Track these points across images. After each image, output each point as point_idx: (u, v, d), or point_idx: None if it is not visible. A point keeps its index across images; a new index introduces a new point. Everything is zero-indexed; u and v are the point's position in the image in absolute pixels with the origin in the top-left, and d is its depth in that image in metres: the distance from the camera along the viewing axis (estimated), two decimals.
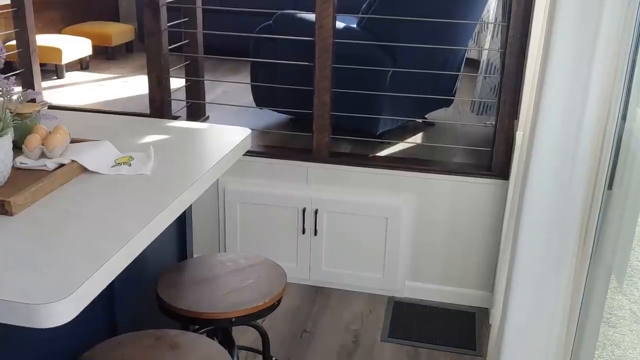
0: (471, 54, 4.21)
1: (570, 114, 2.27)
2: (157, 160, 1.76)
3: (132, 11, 5.50)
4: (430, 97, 3.10)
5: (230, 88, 4.05)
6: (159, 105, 3.09)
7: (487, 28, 3.64)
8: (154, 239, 1.40)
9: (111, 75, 4.46)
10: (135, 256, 1.34)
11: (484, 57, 3.27)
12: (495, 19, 3.22)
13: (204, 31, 3.29)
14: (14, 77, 1.57)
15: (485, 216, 2.90)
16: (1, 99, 1.54)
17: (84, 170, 1.66)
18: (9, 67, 4.09)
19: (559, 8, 2.22)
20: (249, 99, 3.56)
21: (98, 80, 4.32)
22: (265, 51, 3.27)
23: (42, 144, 1.64)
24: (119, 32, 4.97)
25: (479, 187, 2.87)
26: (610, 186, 2.29)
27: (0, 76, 1.51)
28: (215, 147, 2.01)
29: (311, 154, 3.00)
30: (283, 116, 3.54)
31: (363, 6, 3.09)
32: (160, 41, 3.00)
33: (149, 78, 3.08)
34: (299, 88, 2.97)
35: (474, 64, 4.26)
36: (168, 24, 3.06)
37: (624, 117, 2.20)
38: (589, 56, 2.16)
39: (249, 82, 3.52)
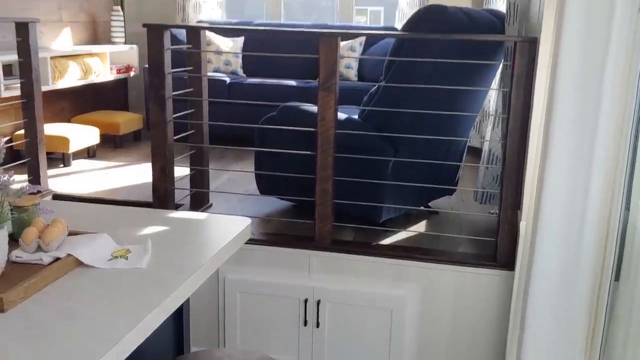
0: (473, 141, 4.25)
1: (572, 205, 2.26)
2: (154, 252, 1.74)
3: (141, 100, 5.62)
4: (432, 186, 3.11)
5: (234, 175, 4.08)
6: (162, 194, 3.10)
7: (488, 118, 3.69)
8: (145, 337, 1.36)
9: (117, 163, 4.50)
10: (126, 356, 1.29)
11: (486, 147, 3.29)
12: (496, 110, 3.27)
13: (210, 122, 3.34)
14: (12, 170, 1.57)
15: (491, 307, 2.83)
16: None
17: (80, 263, 1.64)
18: (16, 155, 4.16)
19: (556, 106, 2.25)
20: (252, 186, 3.58)
21: (104, 168, 4.36)
22: (269, 140, 3.31)
23: (39, 237, 1.63)
24: (127, 120, 5.07)
25: (485, 278, 2.82)
26: (617, 277, 2.24)
27: (3, 172, 1.52)
28: (214, 238, 1.99)
29: (313, 242, 2.98)
30: (286, 203, 3.54)
31: (364, 98, 3.15)
32: (165, 132, 3.05)
33: (153, 168, 3.11)
34: (301, 176, 2.98)
35: (476, 151, 4.29)
36: (174, 115, 3.11)
37: (627, 207, 2.18)
38: (590, 147, 2.18)
39: (253, 169, 3.54)
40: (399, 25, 5.52)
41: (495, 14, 3.22)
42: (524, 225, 2.55)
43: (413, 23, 2.87)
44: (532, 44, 2.59)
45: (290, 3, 6.19)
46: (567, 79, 2.18)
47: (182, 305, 2.04)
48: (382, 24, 7.28)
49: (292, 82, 5.14)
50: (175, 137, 3.16)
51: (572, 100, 2.19)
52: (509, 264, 2.78)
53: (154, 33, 2.97)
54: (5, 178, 1.47)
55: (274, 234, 3.13)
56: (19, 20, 3.47)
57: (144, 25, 3.00)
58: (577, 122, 2.14)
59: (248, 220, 2.09)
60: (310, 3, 7.02)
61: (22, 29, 3.44)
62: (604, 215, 2.29)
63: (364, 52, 5.33)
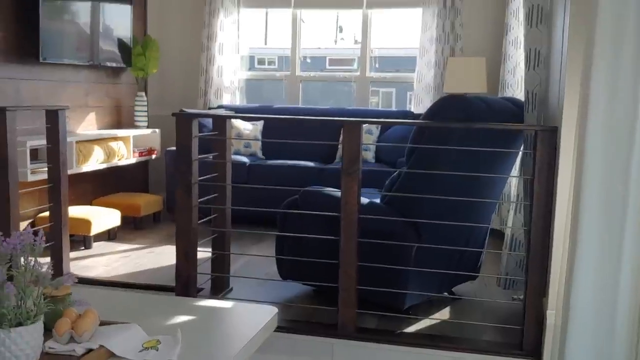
0: (494, 224, 4.25)
1: (603, 294, 2.23)
2: (183, 343, 1.73)
3: (161, 182, 5.71)
4: (456, 272, 3.09)
5: (255, 257, 4.08)
6: (185, 280, 3.11)
7: (507, 201, 3.70)
8: None
9: (138, 246, 4.53)
10: None
11: (508, 232, 3.29)
12: (517, 195, 3.29)
13: (233, 207, 3.38)
14: (50, 262, 1.59)
15: None
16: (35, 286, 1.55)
17: (112, 355, 1.63)
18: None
19: (583, 197, 2.26)
20: (273, 269, 3.57)
21: (125, 251, 4.38)
22: (291, 224, 3.34)
23: (72, 328, 1.63)
24: (148, 202, 5.13)
25: None
26: None
27: (41, 264, 1.54)
28: (241, 328, 1.99)
29: (336, 330, 2.94)
30: (307, 288, 3.52)
31: (386, 182, 3.18)
32: (190, 217, 3.08)
33: (177, 252, 3.12)
34: (324, 261, 2.98)
35: (496, 233, 4.28)
36: (199, 200, 3.16)
37: None
38: (619, 236, 2.18)
39: (274, 250, 3.54)
40: (413, 108, 5.63)
41: (514, 101, 3.30)
42: (552, 314, 2.52)
43: (434, 111, 2.94)
44: (553, 133, 2.64)
45: (308, 87, 6.36)
46: (593, 169, 2.20)
47: None
48: (394, 106, 7.43)
49: (311, 164, 5.21)
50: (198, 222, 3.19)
51: (600, 190, 2.21)
52: (535, 352, 2.72)
53: (183, 122, 3.06)
54: (44, 270, 1.49)
55: (296, 321, 3.10)
56: (49, 108, 3.59)
57: (174, 115, 3.09)
58: (605, 212, 2.16)
59: (274, 310, 2.09)
60: (327, 86, 7.21)
61: (52, 116, 3.55)
62: (636, 303, 2.26)
63: (381, 134, 5.43)
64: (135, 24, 5.49)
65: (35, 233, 1.61)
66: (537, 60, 3.02)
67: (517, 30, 4.67)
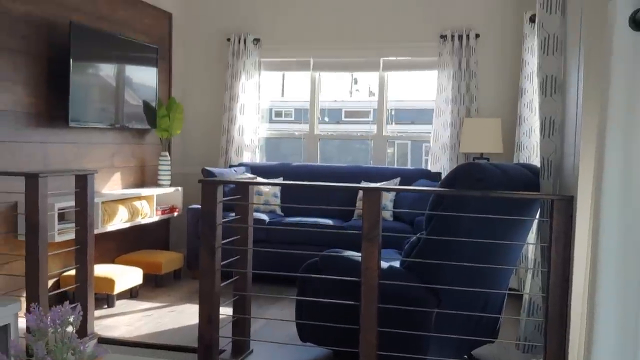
0: (513, 282, 4.27)
1: (624, 358, 2.25)
2: None
3: (183, 239, 5.81)
4: (476, 338, 3.11)
5: (274, 317, 4.12)
6: (207, 342, 3.16)
7: (527, 266, 3.73)
8: None
9: (159, 304, 4.59)
10: None
11: (526, 297, 3.32)
12: (534, 260, 3.33)
13: (254, 271, 3.45)
14: (90, 338, 1.66)
15: None
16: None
17: None
18: (63, 296, 4.28)
19: (600, 269, 2.31)
20: (292, 330, 3.60)
21: (147, 310, 4.45)
22: (311, 287, 3.39)
23: None
24: (169, 260, 5.21)
25: None
26: None
27: (77, 338, 1.61)
28: None
29: None
30: (327, 351, 3.55)
31: (405, 247, 3.24)
32: (213, 280, 3.15)
33: (200, 315, 3.18)
34: (344, 326, 3.02)
35: (517, 294, 4.29)
36: (222, 263, 3.23)
37: None
38: (637, 308, 2.20)
39: (294, 311, 3.58)
40: (430, 166, 5.72)
41: (530, 168, 3.37)
42: None
43: (452, 178, 3.02)
44: (569, 202, 2.70)
45: (326, 142, 6.49)
46: (610, 237, 2.25)
47: None
48: (409, 158, 7.51)
49: (329, 222, 5.29)
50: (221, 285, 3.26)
51: (617, 258, 2.26)
52: None
53: (208, 188, 3.16)
54: (82, 349, 1.56)
55: None
56: (79, 172, 3.72)
57: (200, 181, 3.19)
58: (623, 278, 2.20)
59: None
60: (345, 144, 7.34)
61: (81, 180, 3.67)
62: None
63: (398, 193, 5.50)
64: (160, 87, 5.69)
65: (74, 308, 1.69)
66: (552, 128, 3.11)
67: (531, 93, 4.78)
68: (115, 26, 5.18)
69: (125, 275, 4.57)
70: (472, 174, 2.98)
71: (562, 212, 2.69)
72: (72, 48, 4.45)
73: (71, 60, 4.45)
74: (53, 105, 4.49)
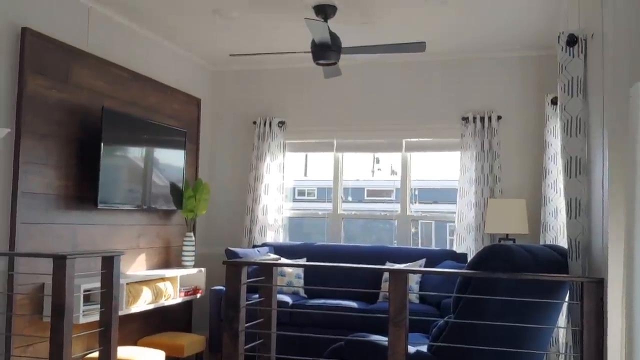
0: None
1: None
2: None
3: (205, 321, 5.76)
4: None
5: None
6: None
7: (558, 351, 3.62)
8: None
9: None
10: None
11: None
12: (566, 344, 3.23)
13: (278, 355, 3.39)
14: None
15: None
16: None
17: None
18: None
19: (636, 348, 2.24)
20: None
21: None
22: None
23: None
24: (191, 343, 5.15)
25: None
26: None
27: None
28: None
29: None
30: None
31: (433, 330, 3.18)
32: None
33: None
34: None
35: None
36: (245, 347, 3.19)
37: None
38: None
39: None
40: (455, 247, 5.67)
41: (558, 249, 3.33)
42: None
43: (479, 261, 2.99)
44: (599, 284, 2.65)
45: (350, 225, 6.50)
46: None
47: None
48: (434, 238, 7.45)
49: (354, 304, 5.21)
50: None
51: None
52: None
53: (232, 269, 3.16)
54: None
55: None
56: (105, 254, 3.75)
57: (224, 263, 3.20)
58: None
59: None
60: (368, 224, 7.34)
61: (108, 262, 3.70)
62: None
63: (424, 274, 5.43)
64: (187, 168, 5.81)
65: None
66: (578, 209, 3.09)
67: (555, 174, 4.78)
68: (146, 111, 5.35)
69: (147, 359, 4.52)
70: (499, 256, 2.95)
71: (593, 294, 2.64)
72: (104, 132, 4.59)
73: (102, 144, 4.58)
74: (83, 188, 4.59)
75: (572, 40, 3.18)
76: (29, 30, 4.08)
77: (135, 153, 5.11)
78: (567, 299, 3.23)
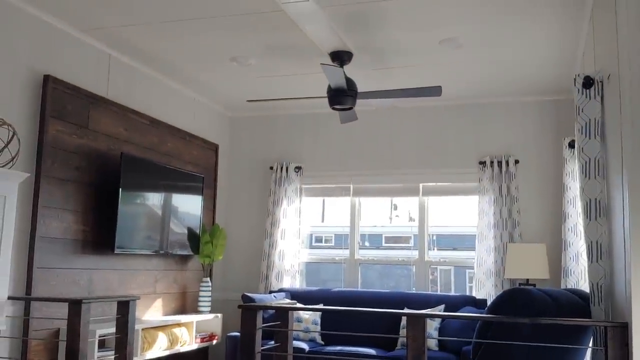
0: None
1: None
2: None
3: None
4: None
5: None
6: None
7: None
8: None
9: None
10: None
11: None
12: None
13: None
14: None
15: None
16: None
17: None
18: None
19: None
20: None
21: None
22: None
23: None
24: None
25: None
26: None
27: None
28: None
29: None
30: None
31: None
32: None
33: None
34: None
35: None
36: None
37: None
38: None
39: None
40: (474, 292, 5.58)
41: (580, 294, 3.26)
42: None
43: (499, 305, 2.93)
44: (624, 329, 2.57)
45: (366, 267, 6.44)
46: None
47: None
48: (453, 284, 7.35)
49: (372, 351, 5.11)
50: None
51: None
52: None
53: (248, 314, 3.13)
54: None
55: None
56: (121, 299, 3.74)
57: (239, 307, 3.17)
58: None
59: None
60: (386, 270, 7.26)
61: (123, 307, 3.68)
62: None
63: (443, 320, 5.33)
64: (205, 213, 5.82)
65: None
66: (599, 252, 3.03)
67: (575, 218, 4.72)
68: (164, 157, 5.40)
69: None
70: (519, 300, 2.88)
71: (617, 340, 2.56)
72: (122, 178, 4.64)
73: (120, 189, 4.62)
74: (100, 233, 4.61)
75: (588, 83, 3.18)
76: (51, 78, 4.17)
77: (153, 198, 5.14)
78: (590, 344, 3.14)
